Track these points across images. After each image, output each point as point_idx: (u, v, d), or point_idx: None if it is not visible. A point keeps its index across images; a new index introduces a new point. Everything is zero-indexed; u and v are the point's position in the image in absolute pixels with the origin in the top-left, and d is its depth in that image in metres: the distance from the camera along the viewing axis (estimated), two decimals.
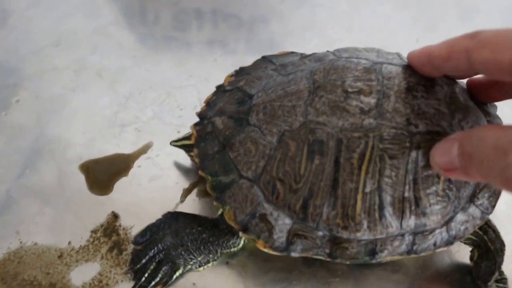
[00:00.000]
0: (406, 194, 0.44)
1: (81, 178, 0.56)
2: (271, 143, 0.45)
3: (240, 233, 0.45)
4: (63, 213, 0.53)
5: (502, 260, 0.49)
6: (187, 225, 0.50)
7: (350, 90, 0.45)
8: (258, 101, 0.48)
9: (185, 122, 0.61)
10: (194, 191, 0.55)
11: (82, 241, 0.52)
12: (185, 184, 0.56)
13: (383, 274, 0.51)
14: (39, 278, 0.49)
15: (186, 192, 0.55)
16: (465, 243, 0.51)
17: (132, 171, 0.57)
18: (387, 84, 0.45)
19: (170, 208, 0.53)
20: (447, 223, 0.45)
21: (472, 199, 0.46)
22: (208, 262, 0.49)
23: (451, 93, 0.46)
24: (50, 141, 0.59)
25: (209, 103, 0.51)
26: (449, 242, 0.45)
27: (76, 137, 0.59)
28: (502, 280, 0.50)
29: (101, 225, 0.53)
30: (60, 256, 0.51)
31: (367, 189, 0.44)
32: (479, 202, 0.46)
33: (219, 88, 0.52)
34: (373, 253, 0.44)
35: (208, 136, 0.48)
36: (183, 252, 0.49)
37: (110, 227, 0.53)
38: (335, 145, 0.44)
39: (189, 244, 0.49)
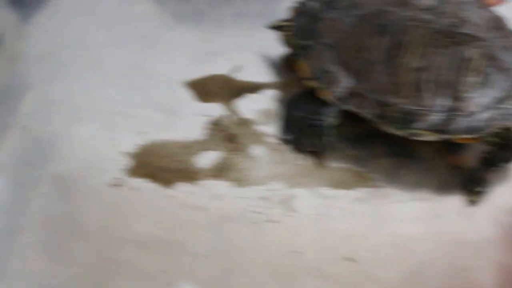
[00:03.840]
0: (448, 78, 0.59)
1: (189, 92, 0.71)
2: (349, 22, 0.64)
3: (311, 81, 0.64)
4: (179, 116, 0.69)
5: None
6: (303, 100, 0.67)
7: None
8: None
9: (265, 49, 0.77)
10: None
11: (201, 135, 0.67)
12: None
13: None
14: (170, 165, 0.64)
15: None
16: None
17: (230, 82, 0.73)
18: None
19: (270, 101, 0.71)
20: (473, 113, 0.59)
21: (500, 102, 0.60)
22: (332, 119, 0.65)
23: (498, 18, 0.64)
24: (155, 70, 0.74)
25: None
26: (471, 131, 0.59)
27: (178, 63, 0.74)
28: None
29: (214, 122, 0.68)
30: (185, 147, 0.65)
31: (416, 65, 0.60)
32: (507, 107, 0.59)
33: None
34: (411, 121, 0.60)
35: (303, 14, 0.67)
36: (316, 116, 0.65)
37: (221, 122, 0.68)
38: (397, 30, 0.61)
39: (313, 109, 0.65)
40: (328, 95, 0.63)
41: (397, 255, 0.59)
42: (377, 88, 0.61)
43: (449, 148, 0.66)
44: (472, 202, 0.62)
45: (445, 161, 0.66)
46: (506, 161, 0.63)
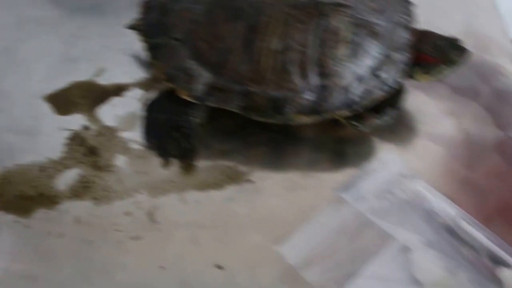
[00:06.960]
0: (311, 55, 0.55)
1: (49, 107, 0.66)
2: (200, 10, 0.58)
3: (166, 82, 0.59)
4: (36, 136, 0.64)
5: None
6: (165, 100, 0.62)
7: None
8: None
9: (131, 46, 0.72)
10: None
11: (60, 153, 0.62)
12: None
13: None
14: (27, 192, 0.59)
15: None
16: None
17: (92, 88, 0.68)
18: None
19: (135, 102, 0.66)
20: (346, 88, 0.56)
21: (375, 71, 0.57)
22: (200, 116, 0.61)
23: None
24: (13, 87, 0.69)
25: None
26: (348, 106, 0.56)
27: (37, 75, 0.69)
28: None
29: (73, 137, 0.63)
30: (42, 170, 0.61)
31: (277, 47, 0.56)
32: (382, 76, 0.57)
33: None
34: (279, 108, 0.56)
35: (153, 9, 0.62)
36: (178, 116, 0.61)
37: (81, 135, 0.63)
38: (252, 12, 0.56)
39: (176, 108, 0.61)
40: (187, 94, 0.59)
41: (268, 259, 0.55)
42: (238, 78, 0.57)
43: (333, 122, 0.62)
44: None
45: (331, 135, 0.63)
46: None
